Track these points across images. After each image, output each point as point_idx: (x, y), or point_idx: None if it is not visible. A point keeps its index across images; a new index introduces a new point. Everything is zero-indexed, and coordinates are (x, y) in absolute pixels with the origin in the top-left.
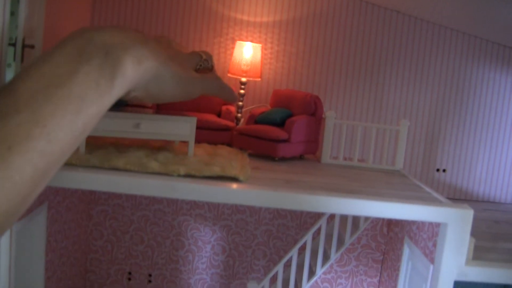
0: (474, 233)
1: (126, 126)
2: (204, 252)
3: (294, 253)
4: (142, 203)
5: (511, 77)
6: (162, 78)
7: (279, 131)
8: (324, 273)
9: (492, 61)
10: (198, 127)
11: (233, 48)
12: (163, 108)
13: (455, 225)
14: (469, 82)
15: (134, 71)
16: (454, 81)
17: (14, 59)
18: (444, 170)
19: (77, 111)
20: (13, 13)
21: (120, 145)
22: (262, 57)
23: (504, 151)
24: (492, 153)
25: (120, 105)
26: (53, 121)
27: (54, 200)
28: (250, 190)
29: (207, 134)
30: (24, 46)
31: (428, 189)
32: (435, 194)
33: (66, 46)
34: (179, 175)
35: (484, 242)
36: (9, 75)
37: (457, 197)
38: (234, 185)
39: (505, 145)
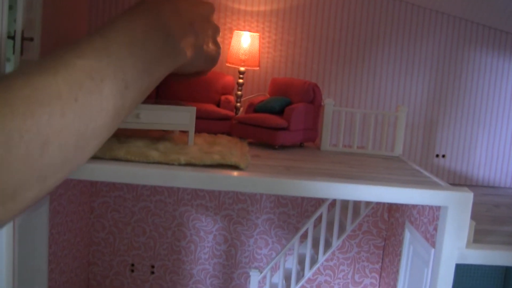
0: (474, 216)
1: (127, 117)
2: (206, 242)
3: (295, 241)
4: (143, 194)
5: (508, 62)
6: (199, 58)
7: (278, 119)
8: (326, 260)
9: (488, 46)
10: (197, 117)
11: (231, 38)
12: (162, 98)
13: (455, 208)
14: (467, 67)
15: (185, 57)
16: (452, 67)
17: (14, 52)
18: (443, 156)
19: (149, 69)
20: (11, 7)
21: (121, 136)
22: (260, 46)
23: (503, 135)
24: (491, 137)
25: None
26: (132, 71)
27: (56, 193)
28: (251, 177)
29: (207, 124)
30: (23, 39)
31: (427, 174)
32: (434, 179)
33: (139, 15)
34: (179, 164)
35: (484, 226)
36: (9, 68)
37: (457, 182)
38: (235, 173)
39: (503, 129)
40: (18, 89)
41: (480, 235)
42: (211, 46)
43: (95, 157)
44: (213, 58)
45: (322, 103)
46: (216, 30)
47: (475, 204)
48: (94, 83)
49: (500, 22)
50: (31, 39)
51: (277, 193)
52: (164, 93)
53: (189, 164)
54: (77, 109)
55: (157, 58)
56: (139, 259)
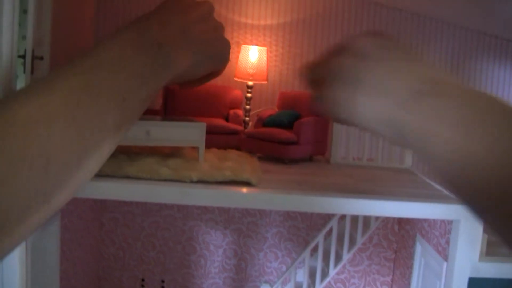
0: (486, 228)
1: (137, 134)
2: (216, 256)
3: (306, 254)
4: (152, 209)
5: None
6: (203, 61)
7: (287, 133)
8: (337, 273)
9: (495, 56)
10: (206, 132)
11: (238, 52)
12: (170, 113)
13: (467, 221)
14: (474, 77)
15: (181, 66)
16: (458, 76)
17: (24, 71)
18: None
19: (143, 83)
20: (20, 24)
21: (130, 153)
22: (267, 60)
23: None
24: None
25: None
26: (128, 84)
27: (66, 209)
28: (264, 193)
29: (216, 139)
30: (33, 58)
31: (438, 187)
32: (446, 192)
33: (127, 32)
34: (191, 181)
35: (496, 237)
36: (20, 88)
37: None
38: (248, 189)
39: None
40: (17, 109)
41: (493, 247)
42: (216, 45)
43: (106, 175)
44: (222, 57)
45: None
46: (219, 27)
47: None
48: (91, 98)
49: (504, 31)
50: (41, 58)
51: (291, 209)
52: (172, 108)
53: (201, 181)
54: (77, 125)
55: (151, 70)
56: (149, 274)
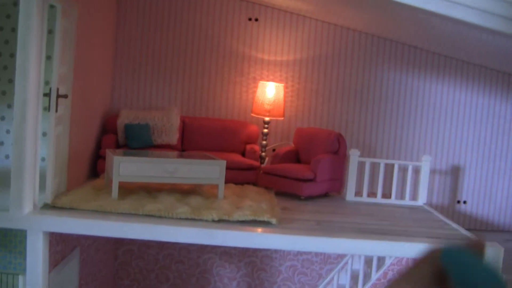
0: (503, 267)
1: (159, 171)
2: None
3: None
4: (167, 241)
5: None
6: None
7: (304, 171)
8: None
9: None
10: None
11: (254, 87)
12: (187, 149)
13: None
14: (481, 114)
15: None
16: (472, 115)
17: (49, 109)
18: (464, 202)
19: None
20: (48, 57)
21: (151, 189)
22: (284, 96)
23: None
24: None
25: (144, 146)
26: None
27: (85, 244)
28: (286, 236)
29: (233, 174)
30: (58, 96)
31: (454, 225)
32: (462, 231)
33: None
34: (212, 220)
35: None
36: (44, 125)
37: (478, 227)
38: (269, 230)
39: None
40: None
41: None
42: None
43: (129, 213)
44: None
45: (347, 153)
46: None
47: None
48: None
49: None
50: (66, 96)
51: (312, 250)
52: (189, 143)
53: (221, 220)
54: None
55: None
56: None
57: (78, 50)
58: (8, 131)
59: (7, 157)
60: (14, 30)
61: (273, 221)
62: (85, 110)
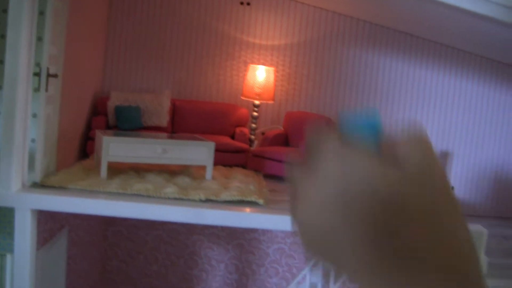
0: (486, 250)
1: (148, 152)
2: (217, 271)
3: (307, 271)
4: (155, 223)
5: None
6: None
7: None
8: None
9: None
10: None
11: (245, 71)
12: (178, 131)
13: None
14: (481, 104)
15: None
16: (462, 102)
17: (39, 88)
18: (452, 188)
19: None
20: (39, 38)
21: (140, 169)
22: (275, 80)
23: None
24: (499, 167)
25: (134, 128)
26: None
27: (73, 223)
28: (272, 215)
29: (222, 156)
30: (48, 75)
31: None
32: None
33: None
34: (200, 200)
35: (498, 259)
36: (34, 105)
37: (465, 213)
38: (256, 210)
39: None
40: None
41: (494, 269)
42: None
43: (117, 193)
44: None
45: None
46: None
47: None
48: None
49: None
50: (56, 76)
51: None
52: (179, 125)
53: (209, 200)
54: None
55: None
56: (151, 287)
57: (70, 31)
58: None
59: None
60: (5, 11)
61: (261, 201)
62: (75, 91)
